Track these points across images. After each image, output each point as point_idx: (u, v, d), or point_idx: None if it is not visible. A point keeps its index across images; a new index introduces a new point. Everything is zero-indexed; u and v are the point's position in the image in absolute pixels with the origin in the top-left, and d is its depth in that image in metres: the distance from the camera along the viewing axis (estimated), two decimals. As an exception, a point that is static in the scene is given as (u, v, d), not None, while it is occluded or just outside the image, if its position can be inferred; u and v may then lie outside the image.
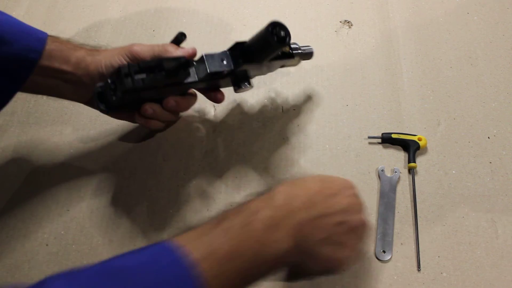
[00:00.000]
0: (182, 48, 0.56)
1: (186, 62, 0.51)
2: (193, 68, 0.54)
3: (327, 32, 0.79)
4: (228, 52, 0.55)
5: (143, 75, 0.50)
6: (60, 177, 0.64)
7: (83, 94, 0.56)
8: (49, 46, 0.52)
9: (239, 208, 0.41)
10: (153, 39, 0.78)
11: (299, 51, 0.64)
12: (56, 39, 0.54)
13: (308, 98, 0.71)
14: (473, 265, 0.57)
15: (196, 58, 0.56)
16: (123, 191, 0.63)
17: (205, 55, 0.54)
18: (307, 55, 0.66)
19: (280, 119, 0.69)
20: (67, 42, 0.55)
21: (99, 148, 0.66)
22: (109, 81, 0.51)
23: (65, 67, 0.53)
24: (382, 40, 0.77)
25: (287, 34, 0.52)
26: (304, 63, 0.73)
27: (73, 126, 0.68)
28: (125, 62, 0.53)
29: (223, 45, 0.77)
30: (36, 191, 0.63)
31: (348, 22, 0.80)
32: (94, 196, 0.62)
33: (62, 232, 0.60)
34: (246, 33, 0.79)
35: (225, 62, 0.54)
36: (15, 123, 0.69)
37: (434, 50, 0.76)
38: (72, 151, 0.66)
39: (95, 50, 0.56)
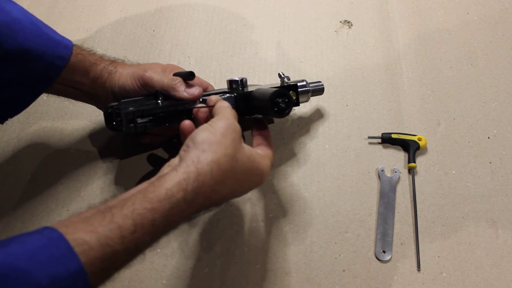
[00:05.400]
0: (190, 87, 0.55)
1: (189, 112, 0.53)
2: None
3: (327, 32, 0.79)
4: (233, 97, 0.56)
5: (146, 120, 0.51)
6: (60, 177, 0.64)
7: (97, 101, 0.60)
8: (73, 59, 0.55)
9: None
10: (153, 39, 0.78)
11: (308, 88, 0.63)
12: (80, 50, 0.56)
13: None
14: (473, 265, 0.57)
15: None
16: (123, 192, 0.63)
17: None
18: (318, 91, 0.65)
19: (280, 120, 0.69)
20: (89, 54, 0.57)
21: (99, 148, 0.66)
22: (117, 110, 0.53)
23: (84, 80, 0.57)
24: (382, 40, 0.77)
25: (289, 105, 0.52)
26: (303, 63, 0.73)
27: (73, 126, 0.68)
28: (136, 87, 0.55)
29: (223, 45, 0.77)
30: (36, 191, 0.63)
31: (348, 22, 0.80)
32: (94, 196, 0.62)
33: (62, 232, 0.60)
34: (246, 33, 0.80)
35: None
36: (15, 123, 0.69)
37: (434, 50, 0.76)
38: (72, 151, 0.66)
39: (114, 63, 0.58)
